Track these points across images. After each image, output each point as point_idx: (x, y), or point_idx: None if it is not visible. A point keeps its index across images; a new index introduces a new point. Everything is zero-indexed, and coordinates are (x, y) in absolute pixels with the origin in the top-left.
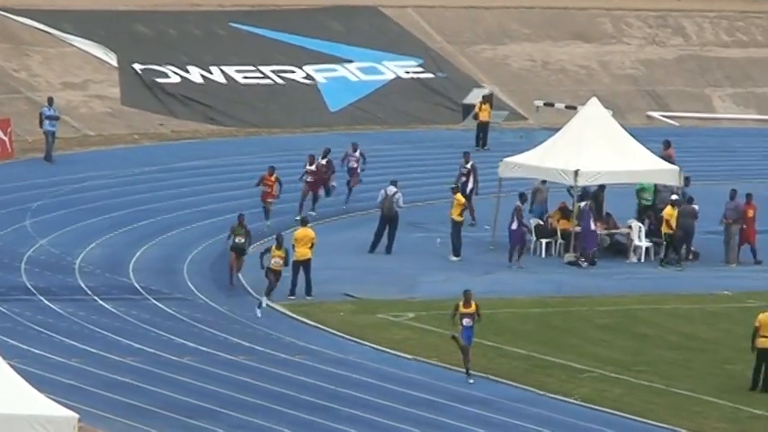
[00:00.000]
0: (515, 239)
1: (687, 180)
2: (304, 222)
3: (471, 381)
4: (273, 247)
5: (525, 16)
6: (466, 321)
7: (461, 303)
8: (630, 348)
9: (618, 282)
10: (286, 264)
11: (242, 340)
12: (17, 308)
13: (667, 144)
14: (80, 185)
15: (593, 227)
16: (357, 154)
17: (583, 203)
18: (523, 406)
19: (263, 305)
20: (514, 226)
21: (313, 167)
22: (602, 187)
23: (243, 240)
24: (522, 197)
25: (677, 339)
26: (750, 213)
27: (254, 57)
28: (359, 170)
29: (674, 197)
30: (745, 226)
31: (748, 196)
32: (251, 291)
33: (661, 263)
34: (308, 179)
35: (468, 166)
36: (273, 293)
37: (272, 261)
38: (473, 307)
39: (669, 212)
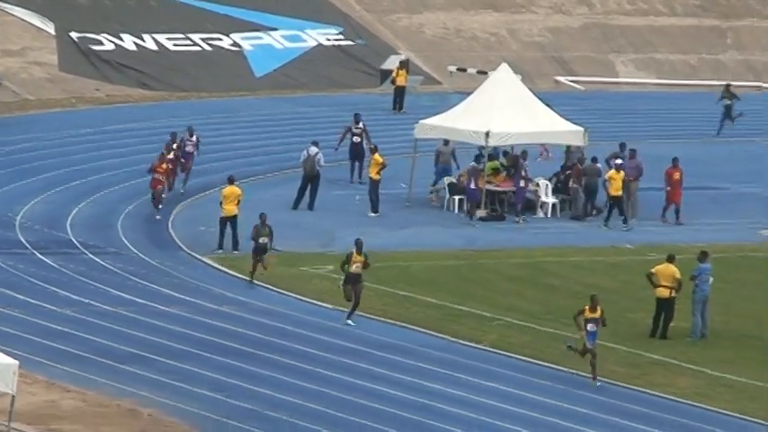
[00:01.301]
0: (473, 197)
1: (623, 145)
2: (231, 180)
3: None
4: (354, 253)
5: None
6: (590, 327)
7: (587, 308)
8: (537, 298)
9: (526, 236)
10: (365, 267)
11: (173, 291)
12: None
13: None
14: (20, 147)
15: (473, 186)
16: (194, 139)
17: (495, 163)
18: (436, 352)
19: (350, 322)
20: (472, 185)
21: (175, 146)
22: (524, 152)
23: (266, 241)
24: (478, 159)
25: (581, 289)
26: (676, 176)
27: (183, 25)
28: (195, 155)
29: (618, 161)
30: (669, 188)
31: (674, 160)
32: (182, 246)
33: (605, 223)
34: (171, 157)
35: (360, 125)
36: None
37: (353, 266)
38: (599, 312)
39: (613, 175)
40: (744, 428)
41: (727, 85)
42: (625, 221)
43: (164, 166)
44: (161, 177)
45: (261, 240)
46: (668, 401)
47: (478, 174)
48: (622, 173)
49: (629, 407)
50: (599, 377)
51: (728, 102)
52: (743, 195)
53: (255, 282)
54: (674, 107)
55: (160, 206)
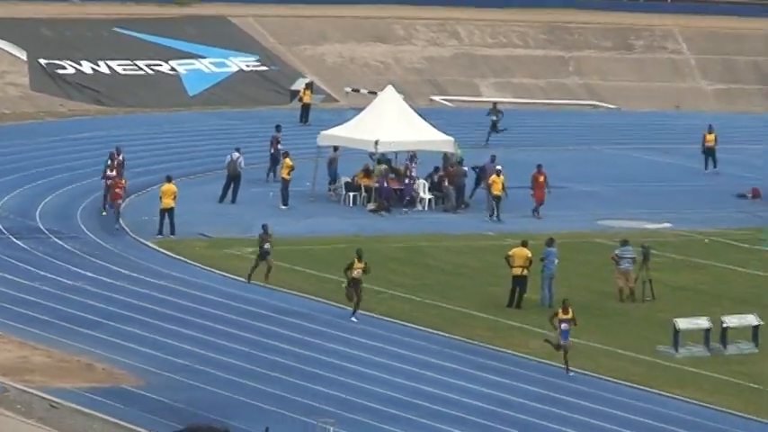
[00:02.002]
0: (386, 193)
1: (494, 157)
2: (169, 179)
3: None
4: (355, 261)
5: (337, 23)
6: (563, 326)
7: (560, 311)
8: (416, 275)
9: (407, 225)
10: (365, 272)
11: (121, 269)
12: None
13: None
14: (3, 154)
15: (385, 184)
16: (120, 158)
17: (382, 166)
18: (336, 319)
19: (353, 319)
20: (385, 184)
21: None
22: (412, 157)
23: (269, 247)
24: (389, 162)
25: (451, 268)
26: (540, 179)
27: (130, 53)
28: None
29: (498, 167)
30: (535, 189)
31: (539, 166)
32: (129, 232)
33: (490, 217)
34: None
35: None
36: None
37: (355, 272)
38: (570, 314)
39: (494, 179)
40: (587, 381)
41: (495, 103)
42: (498, 215)
43: (123, 181)
44: (121, 192)
45: (265, 246)
46: (522, 359)
47: (387, 174)
48: (502, 177)
49: (490, 363)
50: (572, 369)
51: (495, 117)
52: (581, 193)
53: (252, 281)
54: (527, 122)
55: (106, 207)
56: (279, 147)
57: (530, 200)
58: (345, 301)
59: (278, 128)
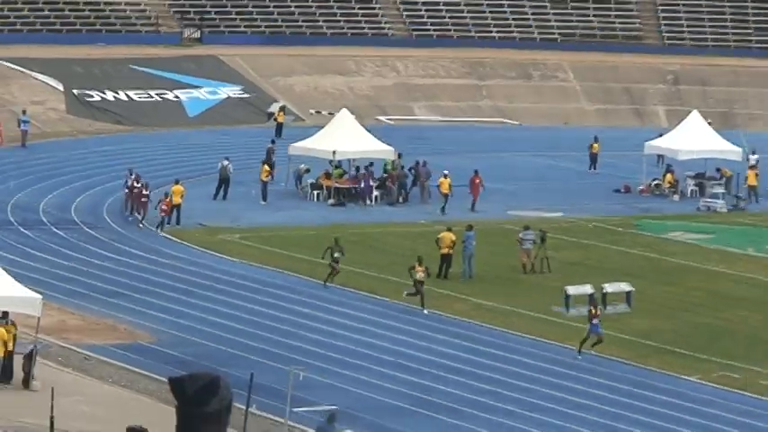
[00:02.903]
0: (367, 191)
1: (425, 162)
2: (177, 181)
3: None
4: (416, 265)
5: (304, 60)
6: (594, 321)
7: (592, 309)
8: (367, 255)
9: (360, 215)
10: (427, 275)
11: (138, 251)
12: (4, 234)
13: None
14: (42, 160)
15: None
16: (133, 177)
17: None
18: (306, 289)
19: (425, 312)
20: (362, 185)
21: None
22: (369, 165)
23: (339, 255)
24: (367, 168)
25: (394, 249)
26: (477, 181)
27: (143, 84)
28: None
29: (445, 172)
30: (471, 189)
31: (476, 171)
32: (144, 223)
33: (442, 211)
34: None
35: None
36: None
37: (418, 275)
38: (598, 312)
39: (442, 181)
40: (497, 335)
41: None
42: (443, 210)
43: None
44: (146, 200)
45: (336, 255)
46: (448, 318)
47: (360, 177)
48: (449, 179)
49: (425, 322)
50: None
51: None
52: (493, 190)
53: (328, 284)
54: (450, 135)
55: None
56: (273, 156)
57: (465, 196)
58: (316, 275)
59: (273, 141)
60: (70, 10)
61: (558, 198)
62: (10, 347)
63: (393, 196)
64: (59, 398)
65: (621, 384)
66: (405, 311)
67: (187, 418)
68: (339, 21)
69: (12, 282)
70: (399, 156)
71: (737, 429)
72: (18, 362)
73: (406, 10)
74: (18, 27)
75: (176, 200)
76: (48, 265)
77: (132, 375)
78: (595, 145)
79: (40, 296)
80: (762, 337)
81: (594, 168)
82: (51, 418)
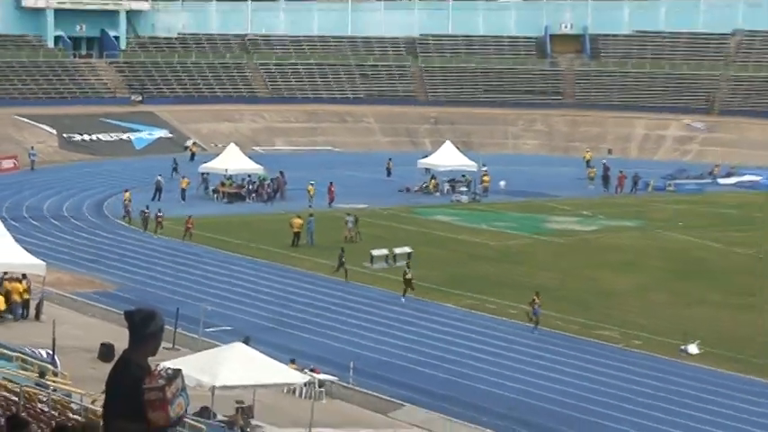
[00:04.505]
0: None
1: (282, 173)
2: (126, 190)
3: None
4: (406, 270)
5: (206, 112)
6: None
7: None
8: (249, 233)
9: (243, 209)
10: (412, 277)
11: (103, 233)
12: (20, 224)
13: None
14: (44, 179)
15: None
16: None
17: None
18: (212, 256)
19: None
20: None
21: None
22: (281, 173)
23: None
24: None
25: (267, 229)
26: (332, 188)
27: (107, 129)
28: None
29: (312, 182)
30: (329, 193)
31: (331, 182)
32: (110, 216)
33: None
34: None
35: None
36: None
37: (408, 275)
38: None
39: (310, 188)
40: (332, 281)
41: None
42: (311, 204)
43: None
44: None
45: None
46: (302, 271)
47: (243, 185)
48: (312, 187)
49: (289, 274)
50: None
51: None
52: (325, 192)
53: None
54: (297, 159)
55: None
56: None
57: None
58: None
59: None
60: (61, 85)
61: (365, 196)
62: (26, 296)
63: (263, 197)
64: (58, 326)
65: (406, 310)
66: (275, 267)
67: (135, 336)
68: (227, 87)
69: (26, 253)
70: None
71: (487, 339)
72: (32, 305)
73: (269, 79)
74: (27, 96)
75: (127, 197)
76: (49, 242)
77: (103, 311)
78: (390, 163)
79: (44, 263)
80: (497, 280)
81: (389, 177)
82: (53, 338)
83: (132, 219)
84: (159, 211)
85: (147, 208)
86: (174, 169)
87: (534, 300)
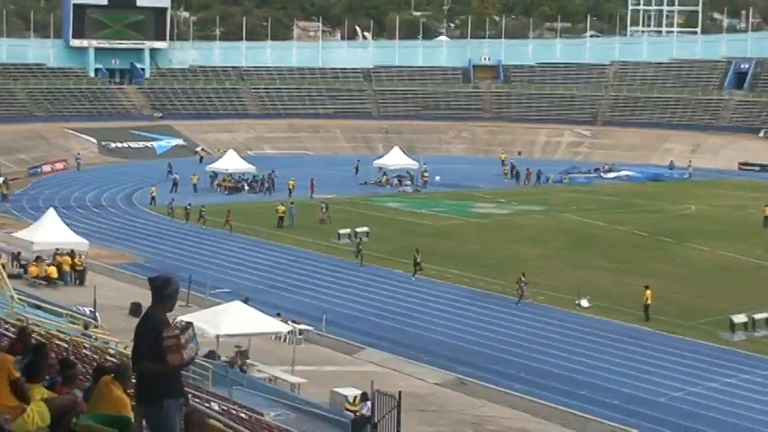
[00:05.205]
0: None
1: (273, 171)
2: (153, 185)
3: None
4: (416, 256)
5: (211, 125)
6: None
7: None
8: (247, 219)
9: (241, 198)
10: (421, 261)
11: (133, 218)
12: (68, 212)
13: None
14: (87, 177)
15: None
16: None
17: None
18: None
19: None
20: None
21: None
22: (273, 171)
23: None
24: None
25: (257, 214)
26: (313, 183)
27: (135, 139)
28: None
29: (292, 178)
30: (310, 187)
31: (312, 178)
32: (138, 204)
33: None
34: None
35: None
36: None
37: (418, 259)
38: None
39: (289, 182)
40: (304, 254)
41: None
42: (290, 195)
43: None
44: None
45: (360, 247)
46: (284, 245)
47: (240, 181)
48: (293, 181)
49: (281, 249)
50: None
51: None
52: (305, 185)
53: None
54: (283, 161)
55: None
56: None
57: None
58: (223, 226)
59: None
60: (100, 105)
61: (334, 188)
62: (76, 267)
63: (255, 190)
64: (98, 289)
65: (364, 274)
66: (265, 244)
67: (156, 296)
68: (227, 106)
69: (73, 234)
70: (259, 170)
71: (429, 297)
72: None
73: (259, 100)
74: (74, 113)
75: (153, 191)
76: (91, 225)
77: (132, 277)
78: (358, 163)
79: (87, 241)
80: (435, 251)
81: (357, 174)
82: (94, 299)
83: (174, 214)
84: (203, 206)
85: (190, 205)
86: (170, 171)
87: (521, 278)
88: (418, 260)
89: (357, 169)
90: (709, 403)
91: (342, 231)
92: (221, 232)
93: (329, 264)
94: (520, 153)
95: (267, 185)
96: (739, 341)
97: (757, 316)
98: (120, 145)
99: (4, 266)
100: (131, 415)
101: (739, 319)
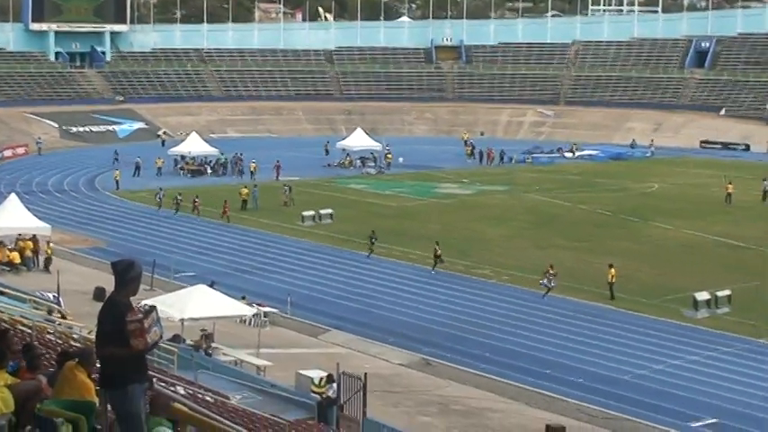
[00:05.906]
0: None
1: (241, 154)
2: (116, 168)
3: None
4: (436, 248)
5: (173, 108)
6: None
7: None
8: (208, 199)
9: (204, 181)
10: (441, 255)
11: (94, 202)
12: (30, 197)
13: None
14: (50, 162)
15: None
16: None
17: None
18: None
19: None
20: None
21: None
22: (240, 154)
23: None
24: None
25: (220, 196)
26: (278, 165)
27: (97, 123)
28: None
29: (253, 160)
30: (274, 170)
31: (278, 160)
32: (101, 189)
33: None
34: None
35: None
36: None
37: (438, 252)
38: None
39: (251, 165)
40: (272, 236)
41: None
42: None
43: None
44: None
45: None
46: (249, 228)
47: (203, 164)
48: (255, 163)
49: (244, 232)
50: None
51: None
52: (268, 168)
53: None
54: (245, 144)
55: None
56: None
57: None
58: (186, 209)
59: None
60: (60, 90)
61: (297, 170)
62: (47, 254)
63: (218, 173)
64: (62, 275)
65: (327, 256)
66: (229, 226)
67: (119, 281)
68: (189, 89)
69: (35, 219)
70: (222, 153)
71: (392, 278)
72: (40, 259)
73: (221, 82)
74: (34, 98)
75: (116, 176)
76: (53, 210)
77: (96, 262)
78: (327, 145)
79: (49, 226)
80: (398, 232)
81: (327, 155)
82: (58, 284)
83: (162, 204)
84: (197, 197)
85: (180, 195)
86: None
87: (549, 270)
88: (438, 253)
89: (327, 151)
90: (674, 381)
91: (305, 213)
92: (192, 217)
93: (293, 246)
94: (482, 133)
95: (239, 168)
96: (702, 318)
97: (720, 293)
98: (81, 129)
99: None
100: (96, 400)
101: (702, 296)
